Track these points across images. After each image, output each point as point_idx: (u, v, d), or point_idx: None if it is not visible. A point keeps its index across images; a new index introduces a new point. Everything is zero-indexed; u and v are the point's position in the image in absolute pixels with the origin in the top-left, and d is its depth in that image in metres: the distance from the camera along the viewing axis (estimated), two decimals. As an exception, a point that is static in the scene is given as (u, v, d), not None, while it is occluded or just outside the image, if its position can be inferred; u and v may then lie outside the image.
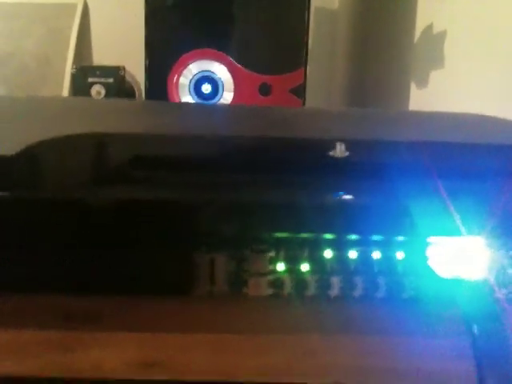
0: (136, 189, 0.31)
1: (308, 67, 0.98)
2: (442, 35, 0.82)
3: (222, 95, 0.95)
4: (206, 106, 0.63)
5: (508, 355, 0.26)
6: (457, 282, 0.31)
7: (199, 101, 0.94)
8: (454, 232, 0.31)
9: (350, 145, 0.30)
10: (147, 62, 0.93)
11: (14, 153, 0.29)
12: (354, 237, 0.33)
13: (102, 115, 0.36)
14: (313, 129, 0.35)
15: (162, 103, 0.58)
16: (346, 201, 0.31)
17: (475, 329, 0.28)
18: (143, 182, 0.31)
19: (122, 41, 1.27)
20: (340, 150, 0.30)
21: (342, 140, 0.30)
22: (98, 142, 0.30)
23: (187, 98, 0.94)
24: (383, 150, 0.31)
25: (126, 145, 0.30)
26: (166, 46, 0.93)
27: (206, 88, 0.94)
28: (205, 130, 0.32)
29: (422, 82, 0.89)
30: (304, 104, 0.97)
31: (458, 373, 0.30)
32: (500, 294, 0.34)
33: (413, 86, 0.95)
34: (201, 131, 0.32)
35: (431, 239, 0.32)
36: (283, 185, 0.31)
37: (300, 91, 0.96)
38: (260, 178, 0.31)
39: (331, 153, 0.30)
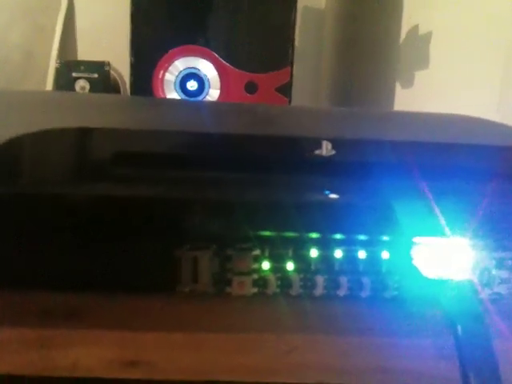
0: (118, 185, 0.30)
1: (295, 66, 0.98)
2: (427, 36, 0.82)
3: (207, 92, 0.94)
4: (189, 102, 0.62)
5: (491, 356, 0.26)
6: (441, 282, 0.31)
7: (185, 98, 0.94)
8: (439, 232, 0.31)
9: (337, 144, 0.30)
10: (132, 58, 0.92)
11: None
12: (339, 236, 0.33)
13: (83, 109, 0.35)
14: (299, 127, 0.35)
15: (144, 99, 0.57)
16: (331, 200, 0.31)
17: (459, 329, 0.28)
18: (126, 178, 0.30)
19: (107, 36, 1.25)
20: (326, 149, 0.30)
21: (328, 139, 0.30)
22: (79, 137, 0.30)
23: (173, 94, 0.93)
24: (369, 150, 0.31)
25: (107, 140, 0.30)
26: (151, 41, 0.92)
27: (192, 85, 0.94)
28: (189, 127, 0.32)
29: (407, 82, 0.90)
30: (290, 103, 0.97)
31: (442, 372, 0.30)
32: (484, 294, 0.34)
33: (398, 86, 0.95)
34: (185, 128, 0.32)
35: (416, 239, 0.32)
36: (268, 183, 0.30)
37: (286, 90, 0.96)
38: (244, 176, 0.30)
39: (317, 151, 0.30)
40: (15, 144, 0.29)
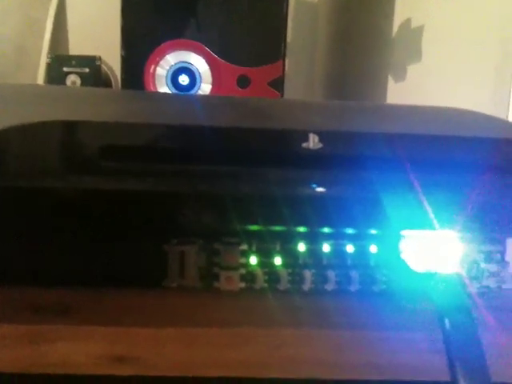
0: (104, 179, 0.30)
1: (288, 60, 0.97)
2: (420, 30, 0.82)
3: (199, 87, 0.94)
4: (179, 95, 0.62)
5: (478, 348, 0.26)
6: (429, 275, 0.31)
7: (176, 92, 0.93)
8: (427, 226, 0.31)
9: (324, 136, 0.30)
10: (123, 52, 0.91)
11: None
12: (327, 230, 0.33)
13: (70, 103, 0.35)
14: (287, 120, 0.34)
15: (134, 92, 0.57)
16: (319, 193, 0.31)
17: (446, 322, 0.27)
18: (112, 172, 0.30)
19: (99, 30, 1.25)
20: (313, 142, 0.30)
21: (315, 132, 0.30)
22: (65, 130, 0.30)
23: (164, 88, 0.92)
24: (357, 142, 0.31)
25: (93, 133, 0.29)
26: (142, 35, 0.92)
27: (184, 79, 0.93)
28: (175, 120, 0.31)
29: (400, 76, 0.90)
30: (283, 97, 0.97)
31: (435, 365, 0.30)
32: (472, 287, 0.34)
33: (390, 80, 0.95)
34: (172, 121, 0.31)
35: (404, 233, 0.32)
36: (255, 176, 0.30)
37: (279, 84, 0.96)
38: (231, 169, 0.30)
39: (304, 144, 0.30)
40: (1, 137, 0.29)
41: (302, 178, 0.30)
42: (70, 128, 0.29)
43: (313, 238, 0.33)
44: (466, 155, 0.32)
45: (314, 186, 0.30)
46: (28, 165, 0.29)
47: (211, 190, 0.30)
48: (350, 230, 0.33)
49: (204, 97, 0.59)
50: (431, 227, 0.31)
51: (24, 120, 0.29)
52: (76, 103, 0.35)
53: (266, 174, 0.30)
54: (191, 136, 0.30)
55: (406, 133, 0.32)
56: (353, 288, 0.34)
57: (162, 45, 0.92)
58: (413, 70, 0.85)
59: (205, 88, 0.95)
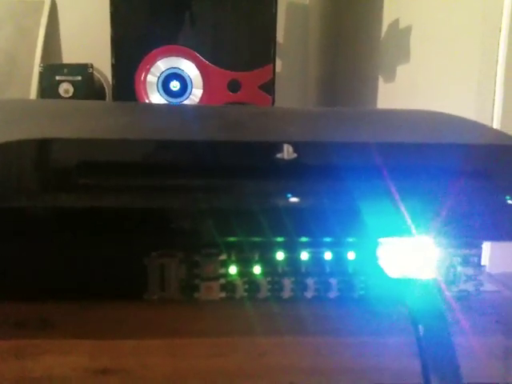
0: (85, 195, 0.30)
1: (280, 63, 0.98)
2: (407, 30, 0.82)
3: (190, 92, 0.94)
4: (159, 106, 0.62)
5: (451, 353, 0.27)
6: (406, 281, 0.32)
7: (168, 98, 0.93)
8: (403, 232, 0.31)
9: (298, 147, 0.30)
10: (114, 60, 0.92)
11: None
12: (304, 238, 0.33)
13: (51, 118, 0.35)
14: (263, 130, 0.35)
15: (115, 104, 0.57)
16: (295, 203, 0.31)
17: (420, 328, 0.28)
18: (93, 187, 0.30)
19: (91, 38, 1.25)
20: (288, 152, 0.30)
21: (289, 142, 0.30)
22: (44, 147, 0.30)
23: (155, 95, 0.93)
24: (332, 152, 0.31)
25: (70, 150, 0.30)
26: (132, 43, 0.92)
27: (175, 85, 0.94)
28: (153, 134, 0.32)
29: (389, 77, 0.90)
30: (274, 100, 0.97)
31: (411, 369, 0.30)
32: (450, 292, 0.34)
33: (380, 81, 0.95)
34: (148, 135, 0.32)
35: (381, 239, 0.33)
36: (232, 189, 0.30)
37: (269, 87, 0.96)
38: (209, 182, 0.30)
39: (279, 155, 0.30)
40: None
41: (277, 189, 0.30)
42: (43, 146, 0.30)
43: (291, 247, 0.33)
44: (440, 161, 0.32)
45: (289, 196, 0.30)
46: (4, 184, 0.29)
47: (188, 203, 0.30)
48: (327, 238, 0.33)
49: (184, 108, 0.60)
50: (407, 234, 0.31)
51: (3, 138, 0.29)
52: (54, 119, 0.36)
53: (243, 186, 0.30)
54: (166, 150, 0.30)
55: (380, 141, 0.32)
56: (331, 295, 0.34)
57: (153, 51, 0.93)
58: (401, 70, 0.86)
59: (196, 93, 0.96)
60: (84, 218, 0.30)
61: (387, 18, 0.93)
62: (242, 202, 0.30)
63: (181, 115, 0.41)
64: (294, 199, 0.31)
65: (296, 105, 1.42)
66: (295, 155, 0.30)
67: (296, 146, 0.30)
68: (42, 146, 0.29)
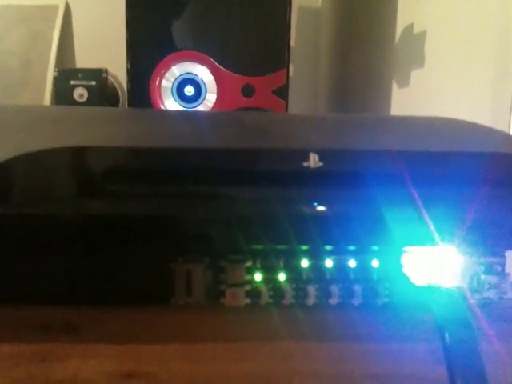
0: (112, 202, 0.31)
1: (293, 67, 0.98)
2: (422, 35, 0.82)
3: (204, 97, 0.95)
4: (177, 113, 0.62)
5: (478, 361, 0.27)
6: (430, 289, 0.32)
7: (182, 103, 0.94)
8: (428, 241, 0.32)
9: (323, 155, 0.31)
10: (129, 65, 0.92)
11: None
12: (329, 246, 0.33)
13: (78, 126, 0.36)
14: (288, 138, 0.35)
15: (133, 111, 0.57)
16: (321, 211, 0.31)
17: (446, 336, 0.28)
18: (122, 195, 0.31)
19: (105, 42, 1.26)
20: (314, 161, 0.31)
21: (315, 150, 0.31)
22: (74, 156, 0.30)
23: (170, 100, 0.93)
24: (357, 160, 0.32)
25: (99, 158, 0.30)
26: (147, 48, 0.93)
27: (189, 90, 0.94)
28: (177, 142, 0.32)
29: (403, 82, 0.90)
30: (287, 105, 0.97)
31: (437, 377, 0.30)
32: (473, 300, 0.34)
33: (394, 86, 0.95)
34: (173, 143, 0.32)
35: (405, 248, 0.33)
36: (258, 196, 0.31)
37: (283, 92, 0.96)
38: (235, 190, 0.31)
39: (305, 163, 0.31)
40: (11, 164, 0.30)
41: (303, 197, 0.31)
42: (75, 154, 0.30)
43: (316, 254, 0.34)
44: (465, 170, 0.32)
45: (314, 204, 0.31)
46: (35, 192, 0.30)
47: (216, 210, 0.31)
48: (352, 246, 0.33)
49: (205, 115, 0.60)
50: (432, 242, 0.31)
51: (29, 148, 0.30)
52: (78, 126, 0.36)
53: (268, 194, 0.31)
54: (193, 158, 0.31)
55: (405, 149, 0.33)
56: (356, 302, 0.34)
57: (167, 57, 0.93)
58: (416, 75, 0.86)
59: (210, 98, 0.96)
60: (112, 224, 0.31)
61: (401, 23, 0.93)
62: (267, 210, 0.31)
63: (203, 122, 0.41)
64: (319, 207, 0.31)
65: (307, 109, 1.42)
66: (321, 164, 0.31)
67: (322, 155, 0.31)
68: (76, 153, 0.30)
